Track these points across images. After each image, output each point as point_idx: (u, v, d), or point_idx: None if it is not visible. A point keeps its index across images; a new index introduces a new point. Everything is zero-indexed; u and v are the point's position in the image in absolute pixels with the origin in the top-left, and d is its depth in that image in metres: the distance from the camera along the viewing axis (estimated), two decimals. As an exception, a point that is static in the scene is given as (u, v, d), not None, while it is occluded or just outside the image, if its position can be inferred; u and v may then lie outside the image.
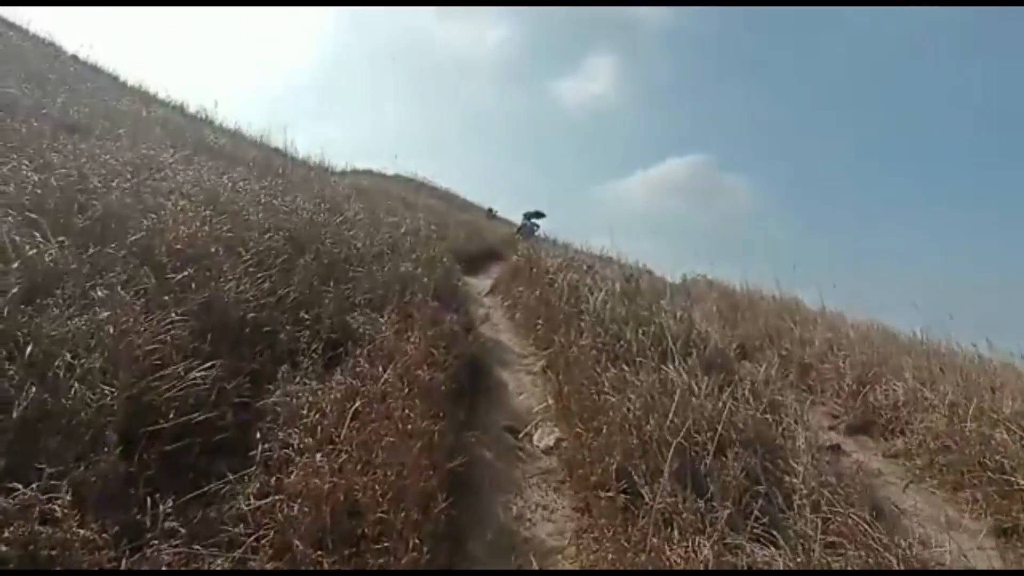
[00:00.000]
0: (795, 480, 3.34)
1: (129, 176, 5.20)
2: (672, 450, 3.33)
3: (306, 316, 4.10)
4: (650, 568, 2.63)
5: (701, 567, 2.56)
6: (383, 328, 4.22)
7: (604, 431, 3.45)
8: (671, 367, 4.49)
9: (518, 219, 18.24)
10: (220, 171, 7.26)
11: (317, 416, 2.84)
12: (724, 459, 3.38)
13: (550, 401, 4.30)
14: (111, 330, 2.69)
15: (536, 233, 17.26)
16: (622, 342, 4.66)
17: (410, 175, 30.84)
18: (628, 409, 3.53)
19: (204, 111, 15.77)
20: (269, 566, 2.12)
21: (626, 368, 4.22)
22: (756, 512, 2.87)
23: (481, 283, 8.23)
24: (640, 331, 5.10)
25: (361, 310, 4.59)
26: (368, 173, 25.22)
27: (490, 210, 20.99)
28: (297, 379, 3.18)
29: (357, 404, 3.02)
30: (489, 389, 4.73)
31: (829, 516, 2.98)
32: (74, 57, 16.03)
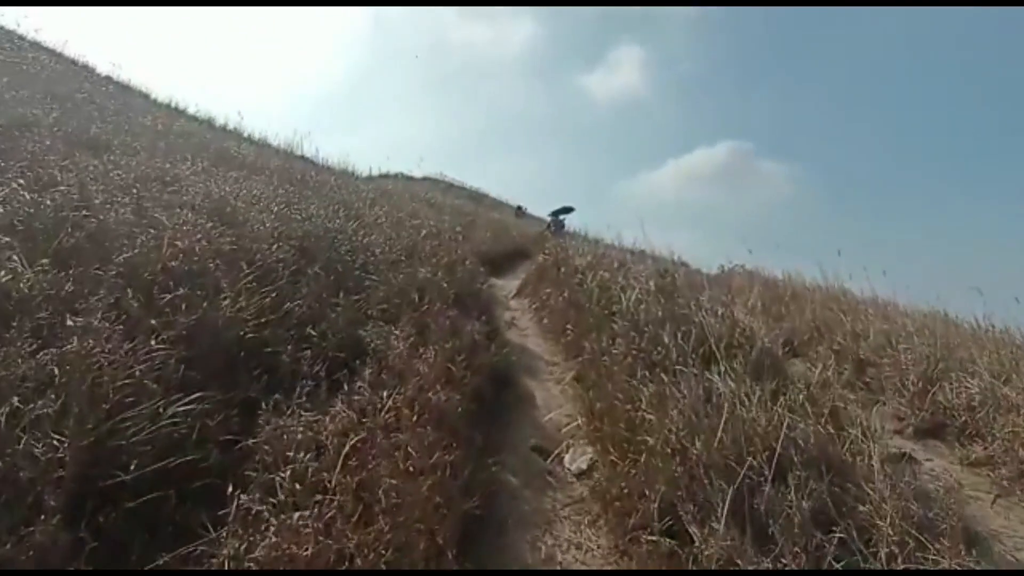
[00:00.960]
0: (871, 509, 2.81)
1: (135, 191, 4.94)
2: (723, 478, 2.85)
3: (313, 332, 3.73)
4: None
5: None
6: (396, 343, 3.82)
7: (643, 456, 2.97)
8: (715, 374, 3.99)
9: (547, 215, 17.77)
10: (237, 181, 7.02)
11: (309, 456, 2.44)
12: (785, 487, 2.88)
13: (580, 421, 3.83)
14: (77, 365, 2.35)
15: (565, 229, 16.75)
16: (659, 348, 4.15)
17: (438, 176, 30.84)
18: (670, 430, 3.04)
19: (231, 123, 15.80)
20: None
21: (665, 377, 3.72)
22: (829, 558, 2.36)
23: (508, 284, 7.80)
24: (679, 333, 4.59)
25: (374, 322, 4.21)
26: (396, 177, 25.17)
27: (519, 208, 20.53)
28: (291, 410, 2.79)
29: (358, 438, 2.61)
30: (515, 403, 4.29)
31: (920, 563, 2.44)
32: (107, 78, 16.22)
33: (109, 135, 7.78)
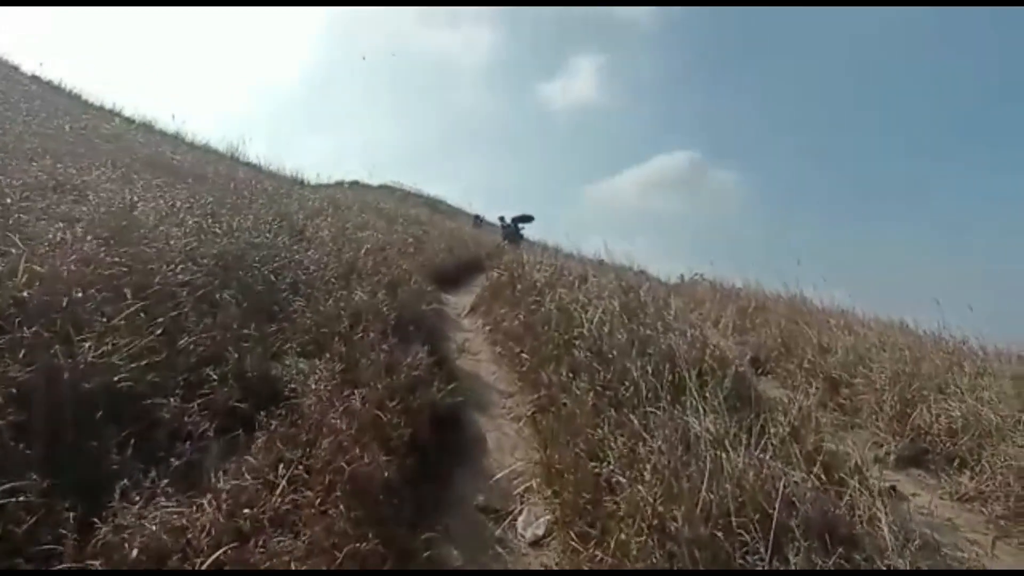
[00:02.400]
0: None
1: (9, 201, 4.11)
2: (710, 557, 2.28)
3: (213, 374, 3.01)
4: None
5: None
6: (316, 385, 3.13)
7: (614, 536, 2.36)
8: (690, 411, 3.44)
9: (500, 222, 17.06)
10: (159, 189, 6.18)
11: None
12: (784, 562, 2.33)
13: (536, 482, 3.21)
14: None
15: (523, 237, 16.14)
16: (626, 383, 3.57)
17: (395, 184, 29.97)
18: (643, 499, 2.44)
19: (173, 126, 14.73)
20: None
21: (635, 420, 3.14)
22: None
23: (462, 300, 7.13)
24: (647, 363, 4.04)
25: (294, 358, 3.51)
26: (351, 185, 24.22)
27: (477, 217, 19.84)
28: (152, 493, 2.07)
29: (240, 530, 1.92)
30: (462, 449, 3.64)
31: None
32: (33, 77, 14.94)
33: (15, 140, 6.83)
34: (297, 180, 14.96)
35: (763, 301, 9.13)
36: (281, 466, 2.33)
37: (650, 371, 3.92)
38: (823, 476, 3.11)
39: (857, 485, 3.05)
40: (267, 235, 5.48)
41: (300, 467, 2.39)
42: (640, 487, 2.50)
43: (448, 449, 3.51)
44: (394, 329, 4.35)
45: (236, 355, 3.15)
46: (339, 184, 23.03)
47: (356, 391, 3.13)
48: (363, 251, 6.08)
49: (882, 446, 4.79)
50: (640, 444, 2.99)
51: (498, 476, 3.32)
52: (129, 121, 14.02)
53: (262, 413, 2.84)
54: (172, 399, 2.71)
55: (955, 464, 4.37)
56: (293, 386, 3.14)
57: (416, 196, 28.65)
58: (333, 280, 4.90)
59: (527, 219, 16.43)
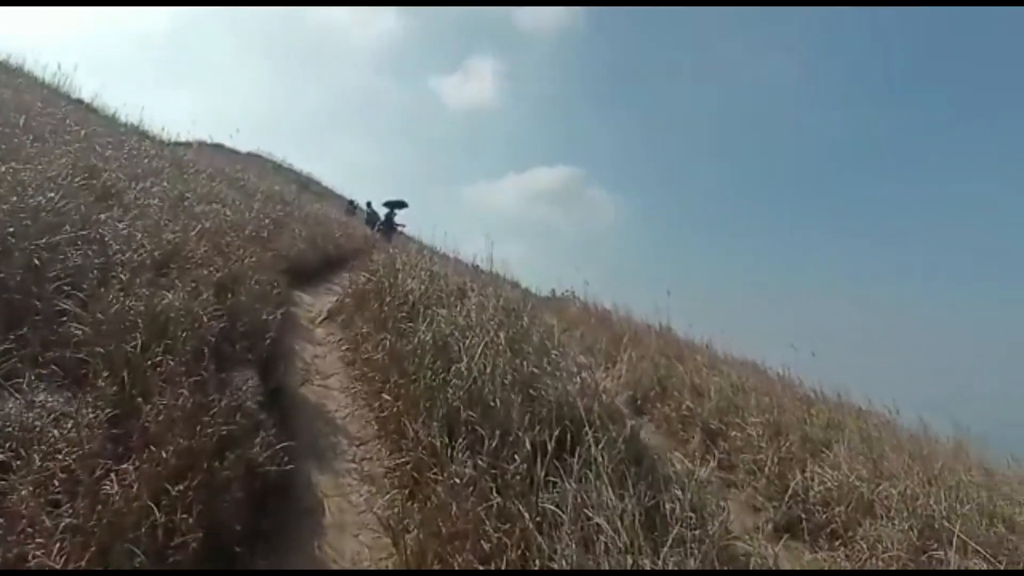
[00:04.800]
0: None
1: None
2: None
3: None
4: None
5: None
6: (53, 445, 2.00)
7: None
8: (586, 485, 2.76)
9: (379, 211, 15.62)
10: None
11: None
12: None
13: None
14: None
15: (397, 228, 14.88)
16: (516, 456, 2.80)
17: (265, 154, 27.15)
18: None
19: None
20: None
21: (525, 514, 2.37)
22: None
23: (319, 303, 5.97)
24: (531, 409, 3.34)
25: (37, 397, 2.30)
26: (215, 147, 21.31)
27: (351, 203, 18.22)
28: None
29: None
30: (285, 529, 2.64)
31: None
32: None
33: None
34: (139, 131, 12.48)
35: (636, 331, 8.93)
36: None
37: (537, 427, 3.23)
38: None
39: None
40: (53, 195, 4.00)
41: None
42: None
43: (265, 535, 2.49)
44: (217, 347, 3.23)
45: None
46: (198, 144, 20.15)
47: (130, 459, 2.03)
48: (196, 231, 4.75)
49: (759, 510, 4.51)
50: (533, 547, 2.25)
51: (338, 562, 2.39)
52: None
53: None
54: None
55: (827, 534, 4.17)
56: (34, 445, 1.97)
57: (287, 171, 26.01)
58: (140, 270, 3.61)
59: (400, 204, 15.12)
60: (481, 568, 2.22)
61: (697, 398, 6.28)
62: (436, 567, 2.25)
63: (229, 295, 3.96)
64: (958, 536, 3.56)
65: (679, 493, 3.35)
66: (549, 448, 2.77)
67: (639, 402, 6.34)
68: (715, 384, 6.55)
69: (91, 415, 2.24)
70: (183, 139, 17.55)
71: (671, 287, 8.72)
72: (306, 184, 23.09)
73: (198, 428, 2.42)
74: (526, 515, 2.36)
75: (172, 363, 2.70)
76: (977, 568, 3.55)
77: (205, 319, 3.31)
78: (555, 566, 2.13)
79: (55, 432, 2.13)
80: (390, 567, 2.45)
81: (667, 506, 3.26)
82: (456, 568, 2.20)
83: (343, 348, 4.65)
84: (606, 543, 2.33)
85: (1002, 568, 3.49)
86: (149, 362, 2.68)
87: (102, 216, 4.40)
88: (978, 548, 3.55)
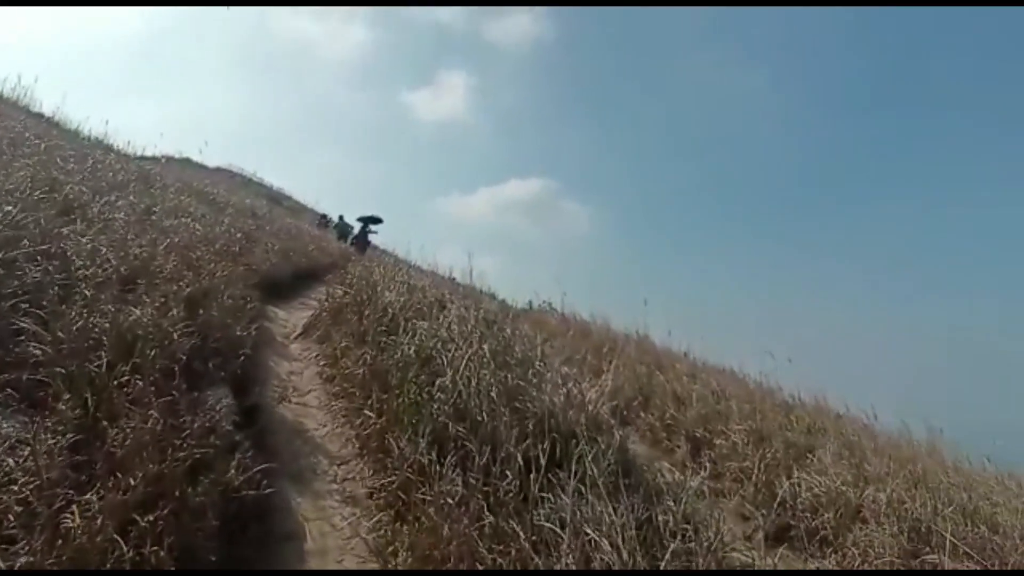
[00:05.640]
0: None
1: None
2: None
3: None
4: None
5: None
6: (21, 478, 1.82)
7: None
8: (578, 500, 2.66)
9: (354, 226, 15.42)
10: None
11: None
12: None
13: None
14: None
15: (371, 244, 14.73)
16: (508, 473, 2.68)
17: (235, 169, 26.67)
18: None
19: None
20: None
21: (520, 533, 2.25)
22: None
23: (294, 318, 5.77)
24: (518, 422, 3.24)
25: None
26: (183, 162, 20.80)
27: (323, 217, 17.94)
28: None
29: None
30: (265, 556, 2.47)
31: None
32: None
33: None
34: (103, 145, 12.06)
35: (615, 340, 8.89)
36: None
37: (527, 440, 3.13)
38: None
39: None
40: (11, 208, 3.76)
41: None
42: None
43: (244, 563, 2.32)
44: (189, 365, 3.04)
45: None
46: (165, 159, 19.64)
47: (94, 488, 1.86)
48: (164, 245, 4.54)
49: (748, 519, 4.46)
50: (531, 566, 2.13)
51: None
52: None
53: None
54: None
55: (817, 540, 4.13)
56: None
57: (258, 185, 25.56)
58: (105, 285, 3.41)
59: (375, 220, 14.97)
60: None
61: (680, 406, 6.25)
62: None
63: (200, 311, 3.78)
64: (948, 539, 3.55)
65: (671, 504, 3.27)
66: (542, 463, 2.64)
67: (622, 412, 6.26)
68: (696, 392, 6.54)
69: (51, 441, 2.06)
70: (149, 153, 17.13)
71: (646, 295, 8.71)
72: (277, 199, 22.69)
73: (169, 452, 2.25)
74: (521, 534, 2.24)
75: (140, 383, 2.52)
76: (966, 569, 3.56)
77: (175, 336, 3.13)
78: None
79: (10, 461, 1.95)
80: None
81: (660, 518, 3.20)
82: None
83: (320, 364, 4.47)
84: (607, 561, 2.23)
85: (995, 569, 3.48)
86: (115, 382, 2.50)
87: (64, 230, 4.18)
88: (968, 551, 3.54)
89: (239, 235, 7.32)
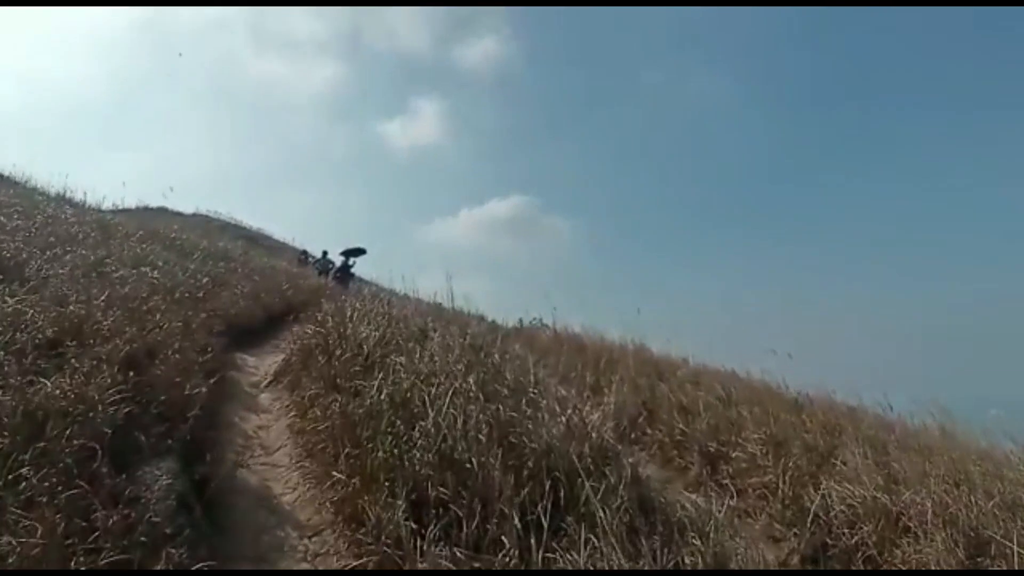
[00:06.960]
0: None
1: None
2: None
3: None
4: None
5: None
6: None
7: None
8: (601, 558, 2.19)
9: (336, 260, 15.00)
10: None
11: None
12: None
13: None
14: None
15: (353, 276, 14.26)
16: (504, 540, 2.21)
17: (212, 214, 26.29)
18: None
19: None
20: None
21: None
22: None
23: (265, 363, 5.28)
24: (514, 461, 2.78)
25: None
26: (159, 211, 20.30)
27: (304, 253, 17.43)
28: None
29: None
30: None
31: None
32: None
33: None
34: (64, 199, 11.53)
35: (611, 352, 8.44)
36: None
37: (525, 488, 2.66)
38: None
39: None
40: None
41: None
42: None
43: None
44: (122, 439, 2.55)
45: None
46: (144, 209, 19.13)
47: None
48: (103, 298, 4.04)
49: (780, 540, 3.99)
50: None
51: None
52: None
53: None
54: None
55: (863, 560, 3.65)
56: None
57: (235, 228, 25.08)
58: (21, 354, 2.91)
59: (359, 252, 14.53)
60: None
61: (687, 418, 5.79)
62: None
63: (147, 369, 3.29)
64: (1015, 549, 3.09)
65: (698, 543, 2.81)
66: (544, 524, 2.17)
67: (626, 429, 5.78)
68: (703, 400, 6.09)
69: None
70: (123, 206, 16.66)
71: (637, 302, 8.34)
72: (255, 240, 22.15)
73: (72, 563, 1.75)
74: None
75: (36, 477, 2.02)
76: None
77: (102, 406, 2.63)
78: None
79: None
80: None
81: (687, 560, 2.74)
82: None
83: (291, 415, 3.97)
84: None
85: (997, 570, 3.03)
86: (9, 476, 2.00)
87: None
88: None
89: (205, 280, 6.83)
